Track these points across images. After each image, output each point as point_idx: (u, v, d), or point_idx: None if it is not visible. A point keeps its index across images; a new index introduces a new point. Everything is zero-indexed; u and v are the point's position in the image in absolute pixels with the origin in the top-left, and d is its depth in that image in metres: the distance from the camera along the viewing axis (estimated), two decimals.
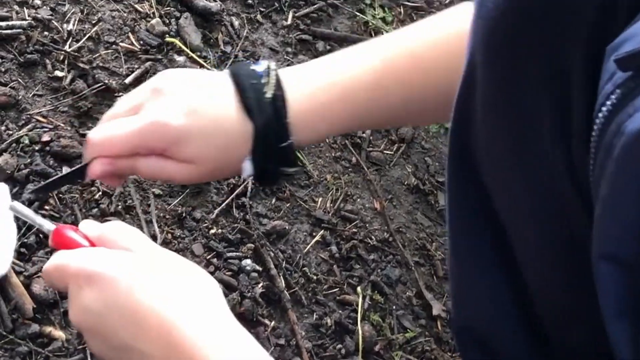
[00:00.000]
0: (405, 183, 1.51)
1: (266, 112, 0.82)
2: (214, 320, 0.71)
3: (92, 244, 0.80)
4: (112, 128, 0.84)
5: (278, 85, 0.83)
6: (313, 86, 0.85)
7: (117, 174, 0.87)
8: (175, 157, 0.83)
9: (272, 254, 1.33)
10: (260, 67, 0.85)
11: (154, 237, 1.26)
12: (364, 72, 0.85)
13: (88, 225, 0.83)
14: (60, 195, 1.24)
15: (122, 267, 0.73)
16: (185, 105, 0.82)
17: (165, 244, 1.27)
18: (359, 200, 1.46)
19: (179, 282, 0.74)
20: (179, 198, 1.32)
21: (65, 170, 1.26)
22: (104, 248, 0.78)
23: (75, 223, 1.21)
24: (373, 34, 1.70)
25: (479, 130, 0.63)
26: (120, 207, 1.27)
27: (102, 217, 1.25)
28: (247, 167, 0.86)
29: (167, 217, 1.30)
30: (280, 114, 0.82)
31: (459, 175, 0.70)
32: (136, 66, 1.42)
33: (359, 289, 1.36)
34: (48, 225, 0.87)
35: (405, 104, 0.88)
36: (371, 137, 1.53)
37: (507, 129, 0.61)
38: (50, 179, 0.85)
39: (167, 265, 0.76)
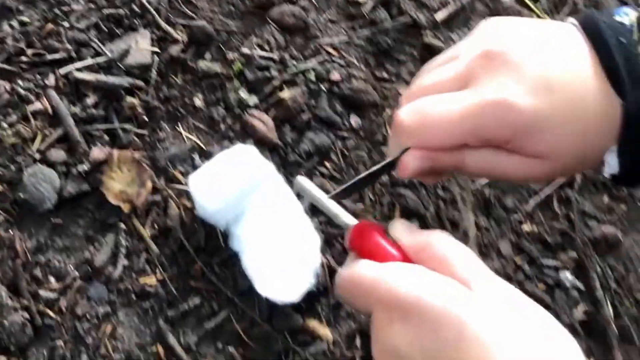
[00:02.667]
0: None
1: None
2: None
3: (405, 257, 0.61)
4: (433, 107, 0.62)
5: None
6: None
7: (436, 170, 0.64)
8: (519, 150, 0.61)
9: (599, 270, 1.00)
10: (626, 17, 0.62)
11: (451, 222, 0.97)
12: None
13: (401, 229, 0.63)
14: (344, 152, 0.97)
15: (455, 308, 0.54)
16: (537, 80, 0.60)
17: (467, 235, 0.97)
18: None
19: (535, 347, 0.53)
20: None
21: (354, 121, 0.99)
22: (428, 270, 0.58)
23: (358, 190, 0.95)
24: None
25: None
26: (415, 180, 0.98)
27: (392, 186, 0.98)
28: (612, 162, 0.62)
29: (471, 200, 1.00)
30: None
31: None
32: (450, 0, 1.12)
33: None
34: (346, 218, 0.63)
35: None
36: None
37: None
38: (351, 182, 0.60)
39: (518, 317, 0.55)
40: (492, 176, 0.71)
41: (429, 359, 0.55)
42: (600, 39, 0.61)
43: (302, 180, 0.68)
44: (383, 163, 0.64)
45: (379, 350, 0.59)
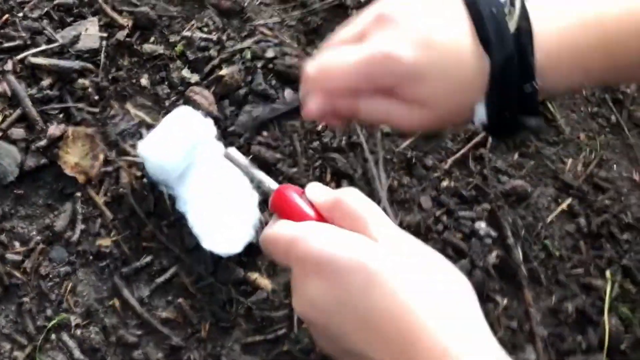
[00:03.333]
0: None
1: (508, 47, 0.69)
2: (472, 343, 0.59)
3: (320, 216, 0.68)
4: (331, 58, 0.72)
5: (524, 16, 0.69)
6: (567, 22, 0.70)
7: (336, 114, 0.74)
8: (404, 97, 0.71)
9: (510, 219, 1.12)
10: None
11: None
12: (632, 14, 0.70)
13: (316, 191, 0.70)
14: (280, 122, 1.08)
15: (361, 258, 0.61)
16: (418, 36, 0.69)
17: (391, 191, 1.08)
18: (615, 167, 1.22)
19: (432, 287, 0.61)
20: (410, 140, 1.13)
21: (288, 94, 1.10)
22: (337, 228, 0.65)
23: (293, 155, 1.05)
24: None
25: None
26: (344, 142, 1.09)
27: (323, 151, 1.08)
28: (480, 111, 0.71)
29: (395, 160, 1.11)
30: (525, 50, 0.69)
31: None
32: None
33: (607, 272, 1.13)
34: (269, 182, 0.73)
35: None
36: (636, 94, 1.27)
37: None
38: (261, 118, 0.71)
39: (418, 263, 0.62)
40: (382, 122, 0.83)
41: (341, 306, 0.60)
42: (477, 9, 0.69)
43: (231, 151, 0.78)
44: (293, 106, 0.75)
45: (298, 303, 0.65)
